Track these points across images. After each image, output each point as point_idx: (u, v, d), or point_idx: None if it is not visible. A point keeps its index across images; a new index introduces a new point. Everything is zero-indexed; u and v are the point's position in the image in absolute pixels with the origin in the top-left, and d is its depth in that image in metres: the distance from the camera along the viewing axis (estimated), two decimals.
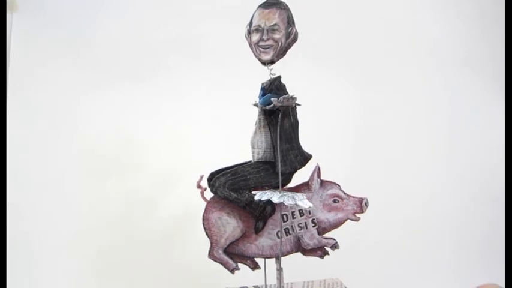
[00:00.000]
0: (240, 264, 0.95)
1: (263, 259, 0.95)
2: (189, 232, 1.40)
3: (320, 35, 1.55)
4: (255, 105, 0.92)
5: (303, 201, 0.86)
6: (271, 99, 0.86)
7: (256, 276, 0.99)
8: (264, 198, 0.87)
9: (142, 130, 1.55)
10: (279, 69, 0.91)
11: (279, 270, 0.95)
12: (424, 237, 1.54)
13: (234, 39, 1.42)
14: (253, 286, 1.06)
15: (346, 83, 1.60)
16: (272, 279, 0.96)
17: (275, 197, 0.87)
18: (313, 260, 1.17)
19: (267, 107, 0.87)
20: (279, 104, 0.86)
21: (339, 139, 1.53)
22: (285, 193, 0.89)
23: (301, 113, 0.92)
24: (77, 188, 1.51)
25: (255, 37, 0.89)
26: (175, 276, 1.44)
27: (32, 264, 1.47)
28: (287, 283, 1.02)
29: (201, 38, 1.58)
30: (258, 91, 0.91)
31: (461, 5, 1.67)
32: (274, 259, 0.95)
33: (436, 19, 1.66)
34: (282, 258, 0.94)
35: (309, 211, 0.94)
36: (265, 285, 0.98)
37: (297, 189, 0.95)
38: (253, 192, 0.90)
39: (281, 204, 0.88)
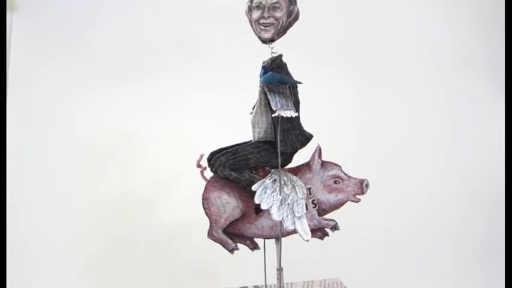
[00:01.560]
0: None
1: (263, 252, 0.94)
2: (189, 232, 1.40)
3: (320, 35, 1.56)
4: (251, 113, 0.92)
5: (302, 227, 0.85)
6: (273, 115, 0.84)
7: (256, 276, 0.99)
8: (264, 206, 0.86)
9: (142, 130, 1.54)
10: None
11: (279, 270, 0.94)
12: (424, 237, 1.54)
13: (234, 40, 1.43)
14: (253, 286, 1.06)
15: (346, 83, 1.60)
16: (272, 279, 0.96)
17: (274, 207, 0.86)
18: (313, 260, 1.18)
19: (272, 115, 0.86)
20: (283, 115, 0.84)
21: (338, 140, 1.53)
22: (285, 200, 0.88)
23: (301, 113, 0.92)
24: (77, 188, 1.51)
25: (256, 14, 0.87)
26: (175, 276, 1.44)
27: (32, 264, 1.47)
28: (287, 283, 1.02)
29: (201, 38, 1.58)
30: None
31: (461, 5, 1.67)
32: (275, 256, 0.94)
33: (436, 19, 1.66)
34: (281, 255, 0.94)
35: (310, 192, 0.93)
36: (265, 285, 0.98)
37: (297, 169, 0.94)
38: (253, 188, 0.88)
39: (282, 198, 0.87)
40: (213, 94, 1.55)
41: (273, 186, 0.89)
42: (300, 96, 0.90)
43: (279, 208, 0.86)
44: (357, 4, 1.62)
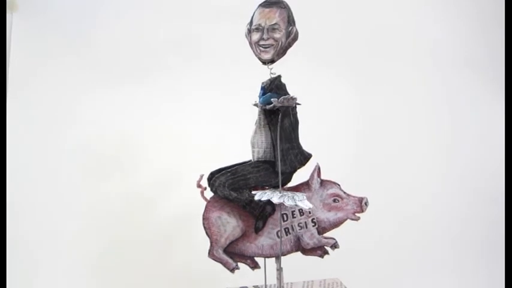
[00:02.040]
0: (239, 264, 0.95)
1: (263, 258, 0.95)
2: (189, 232, 1.40)
3: (320, 35, 1.55)
4: (255, 105, 0.92)
5: (303, 202, 0.86)
6: (272, 99, 0.86)
7: (256, 276, 0.99)
8: (264, 198, 0.87)
9: (142, 130, 1.54)
10: (279, 69, 0.91)
11: (279, 270, 0.95)
12: (424, 237, 1.54)
13: (234, 40, 1.43)
14: (253, 286, 1.06)
15: (346, 83, 1.60)
16: (272, 279, 0.96)
17: (275, 197, 0.87)
18: (313, 260, 1.17)
19: (267, 107, 0.88)
20: (279, 104, 0.86)
21: (338, 140, 1.53)
22: (285, 193, 0.89)
23: (301, 113, 0.92)
24: (77, 188, 1.51)
25: (255, 36, 0.89)
26: (175, 276, 1.44)
27: (32, 264, 1.47)
28: (287, 283, 1.02)
29: (201, 38, 1.58)
30: (258, 91, 0.91)
31: (461, 5, 1.67)
32: (274, 259, 0.95)
33: (436, 19, 1.66)
34: (282, 258, 0.94)
35: (309, 210, 0.94)
36: (265, 285, 0.98)
37: (297, 188, 0.95)
38: (253, 192, 0.90)
39: (281, 204, 0.88)
40: (213, 94, 1.55)
41: (273, 192, 0.90)
42: (300, 95, 0.90)
43: (279, 198, 0.87)
44: (357, 4, 1.62)
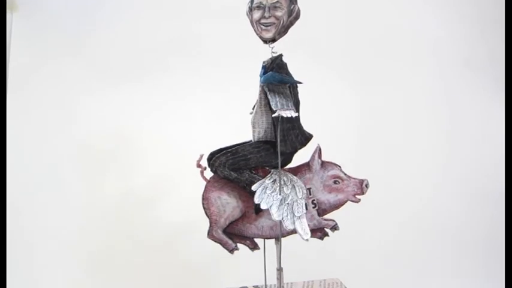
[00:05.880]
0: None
1: (262, 240, 0.94)
2: (189, 232, 1.40)
3: (320, 35, 1.55)
4: (253, 108, 0.92)
5: (301, 224, 0.85)
6: (273, 115, 0.84)
7: (256, 276, 0.99)
8: (264, 206, 0.86)
9: (142, 130, 1.54)
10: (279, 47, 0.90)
11: (279, 270, 0.94)
12: (424, 237, 1.54)
13: (234, 39, 1.43)
14: (253, 286, 1.06)
15: (346, 82, 1.60)
16: (272, 279, 0.96)
17: (274, 206, 0.86)
18: (313, 260, 1.18)
19: (272, 115, 0.86)
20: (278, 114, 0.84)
21: (338, 140, 1.53)
22: (285, 195, 0.88)
23: (301, 113, 0.92)
24: (77, 187, 1.51)
25: (257, 14, 0.87)
26: (175, 276, 1.44)
27: (32, 264, 1.47)
28: (287, 283, 1.02)
29: (200, 38, 1.58)
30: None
31: (461, 5, 1.67)
32: (273, 240, 0.94)
33: (437, 19, 1.66)
34: (282, 257, 0.94)
35: (310, 192, 0.93)
36: (265, 285, 0.98)
37: (297, 169, 0.94)
38: (253, 188, 0.89)
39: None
40: (214, 94, 1.55)
41: (272, 186, 0.89)
42: (300, 95, 0.90)
43: (278, 208, 0.87)
44: (357, 4, 1.62)
